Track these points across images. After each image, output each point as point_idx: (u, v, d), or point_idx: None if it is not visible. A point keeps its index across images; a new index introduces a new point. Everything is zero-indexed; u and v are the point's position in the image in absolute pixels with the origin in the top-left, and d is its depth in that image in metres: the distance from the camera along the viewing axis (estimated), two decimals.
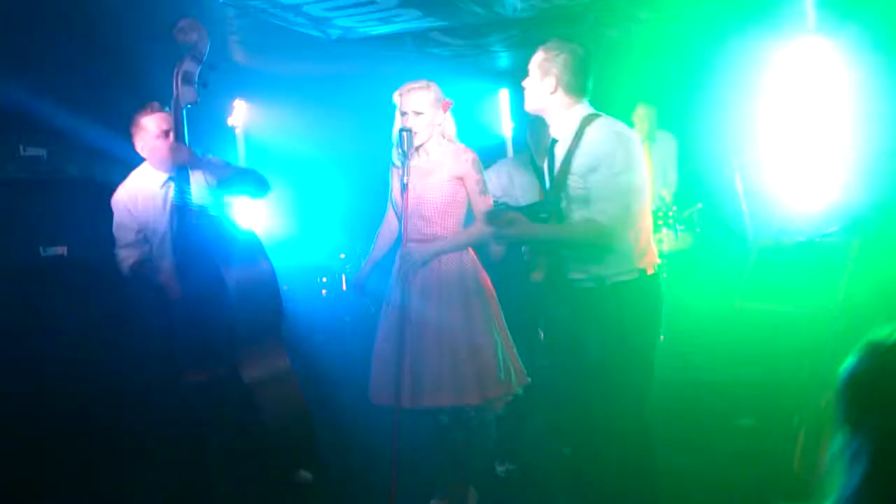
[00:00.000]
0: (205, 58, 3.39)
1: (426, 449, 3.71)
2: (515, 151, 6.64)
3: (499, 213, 2.91)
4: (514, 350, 3.51)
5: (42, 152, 4.20)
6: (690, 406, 4.82)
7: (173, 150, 3.37)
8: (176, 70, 3.35)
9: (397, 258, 3.47)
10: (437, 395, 3.32)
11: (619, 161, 2.75)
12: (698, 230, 5.49)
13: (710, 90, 5.86)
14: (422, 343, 3.35)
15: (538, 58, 2.92)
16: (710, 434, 4.47)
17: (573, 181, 2.82)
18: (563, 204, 2.89)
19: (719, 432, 4.49)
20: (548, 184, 3.00)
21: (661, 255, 5.37)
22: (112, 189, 4.26)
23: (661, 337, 3.05)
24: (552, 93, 2.89)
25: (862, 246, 3.35)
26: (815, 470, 3.19)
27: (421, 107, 3.38)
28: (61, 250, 4.20)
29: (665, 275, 5.50)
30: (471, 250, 3.52)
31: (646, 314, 2.91)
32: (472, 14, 4.69)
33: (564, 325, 3.07)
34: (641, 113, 5.83)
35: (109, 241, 4.31)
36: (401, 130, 3.34)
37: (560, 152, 2.89)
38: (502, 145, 7.04)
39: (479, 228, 3.40)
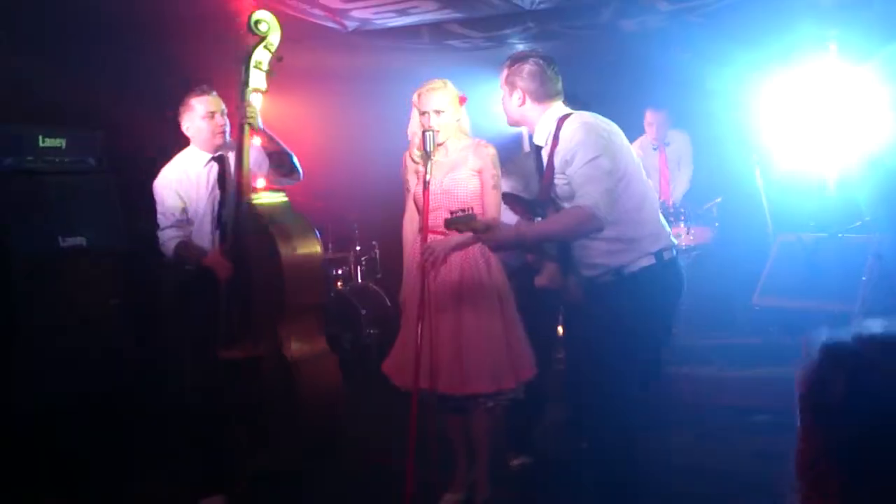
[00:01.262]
0: (275, 49, 3.62)
1: (441, 440, 3.71)
2: (531, 145, 6.61)
3: (465, 220, 2.89)
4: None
5: (61, 143, 4.22)
6: (707, 401, 4.80)
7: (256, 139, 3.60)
8: (246, 58, 3.58)
9: (421, 251, 3.48)
10: (479, 381, 3.40)
11: (590, 148, 2.79)
12: (717, 224, 5.45)
13: (730, 83, 5.82)
14: (458, 331, 3.44)
15: (503, 75, 3.02)
16: (727, 430, 4.45)
17: (557, 179, 2.89)
18: (552, 205, 2.97)
19: (736, 428, 4.48)
20: (539, 189, 3.07)
21: (679, 251, 5.39)
22: (131, 179, 4.33)
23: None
24: (521, 105, 2.99)
25: (883, 241, 3.32)
26: None
27: (441, 105, 3.47)
28: (81, 240, 4.22)
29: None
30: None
31: (665, 298, 2.94)
32: (490, 6, 4.67)
33: (584, 320, 3.08)
34: (650, 118, 5.81)
35: (128, 230, 4.37)
36: (424, 132, 3.40)
37: (544, 156, 2.98)
38: (518, 138, 7.01)
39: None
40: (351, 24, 5.00)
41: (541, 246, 3.24)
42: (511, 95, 3.01)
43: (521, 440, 4.09)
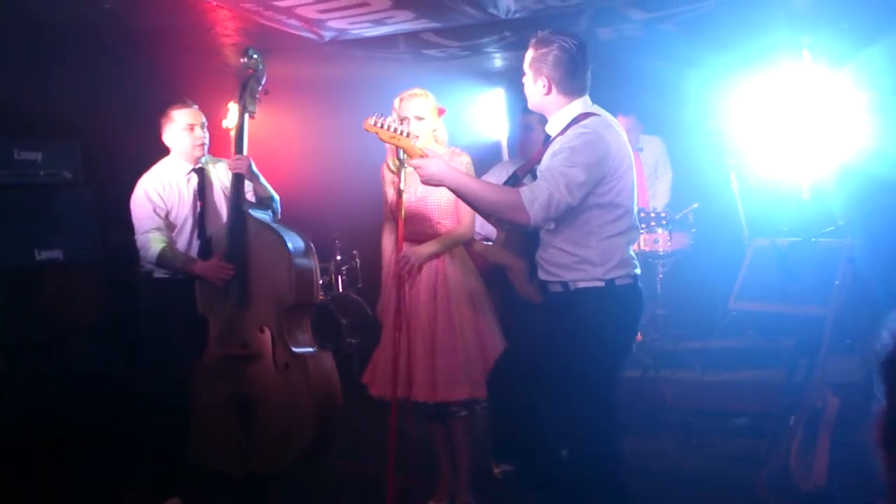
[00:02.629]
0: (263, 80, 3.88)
1: (425, 448, 3.71)
2: (511, 154, 6.65)
3: (400, 140, 2.89)
4: None
5: (37, 156, 4.18)
6: (687, 405, 4.84)
7: (235, 161, 3.78)
8: (243, 86, 3.82)
9: (396, 259, 3.51)
10: (452, 389, 3.43)
11: (578, 155, 2.67)
12: (694, 230, 5.50)
13: (705, 90, 5.88)
14: (435, 338, 3.46)
15: (529, 56, 2.87)
16: (706, 434, 4.49)
17: (541, 164, 2.83)
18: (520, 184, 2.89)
19: (716, 432, 4.51)
20: (523, 163, 3.03)
21: (657, 256, 5.46)
22: (107, 192, 4.31)
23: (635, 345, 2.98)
24: (546, 94, 2.84)
25: (856, 245, 3.36)
26: (812, 469, 3.20)
27: (423, 112, 3.50)
28: (57, 254, 4.18)
29: (661, 276, 5.53)
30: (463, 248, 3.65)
31: (610, 324, 2.81)
32: (466, 15, 4.68)
33: (535, 326, 3.06)
34: (624, 124, 5.83)
35: (104, 244, 4.34)
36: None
37: (548, 150, 2.86)
38: (497, 147, 7.04)
39: (462, 230, 3.57)
40: (327, 35, 5.00)
41: (514, 245, 3.20)
42: (535, 82, 2.84)
43: (503, 448, 4.09)
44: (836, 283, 3.30)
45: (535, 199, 2.65)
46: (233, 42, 5.17)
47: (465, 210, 3.52)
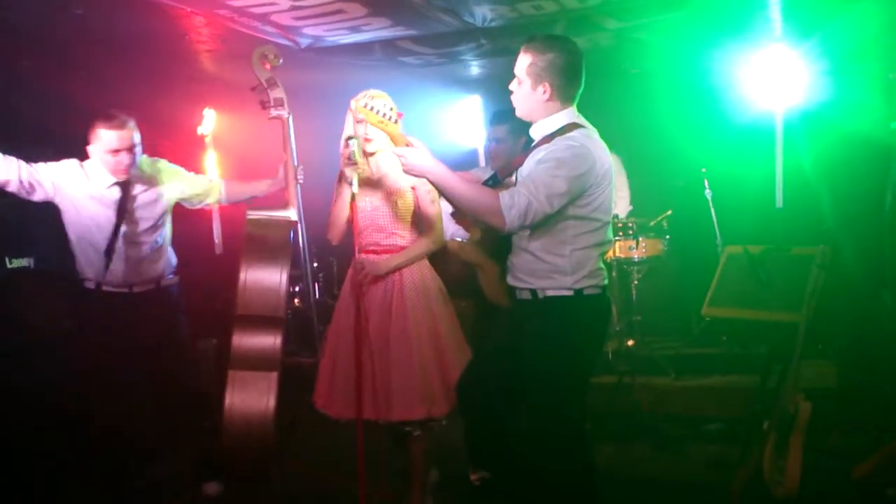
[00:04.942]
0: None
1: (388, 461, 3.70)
2: (487, 160, 6.65)
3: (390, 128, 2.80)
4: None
5: None
6: (662, 411, 4.87)
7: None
8: (272, 90, 3.71)
9: (352, 268, 3.41)
10: (410, 408, 3.29)
11: (563, 167, 2.68)
12: (668, 237, 5.54)
13: (679, 97, 5.94)
14: (389, 355, 3.32)
15: (526, 61, 2.81)
16: (681, 439, 4.52)
17: (522, 169, 2.83)
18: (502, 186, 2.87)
19: (689, 437, 4.55)
20: (503, 165, 2.98)
21: (632, 263, 5.49)
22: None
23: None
24: (546, 101, 2.82)
25: (828, 253, 3.40)
26: (784, 474, 3.23)
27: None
28: (28, 262, 4.13)
29: (636, 282, 5.57)
30: (427, 261, 3.51)
31: (577, 333, 2.83)
32: (442, 23, 4.69)
33: (504, 331, 3.05)
34: None
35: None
36: (348, 138, 3.28)
37: (531, 155, 2.85)
38: (474, 154, 7.05)
39: (428, 243, 3.44)
40: (304, 41, 4.99)
41: (488, 245, 3.13)
42: (535, 88, 2.80)
43: (479, 455, 4.07)
44: (808, 289, 3.34)
45: (512, 205, 2.66)
46: (207, 49, 5.14)
47: (430, 218, 3.42)
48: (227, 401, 3.39)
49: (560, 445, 2.85)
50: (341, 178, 3.46)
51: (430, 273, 3.49)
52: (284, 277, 3.49)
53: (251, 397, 3.39)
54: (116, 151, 3.60)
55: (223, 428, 3.39)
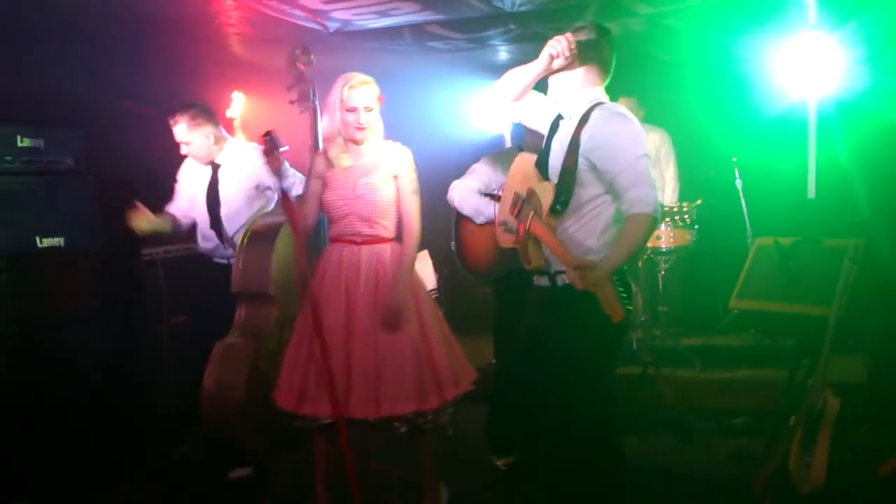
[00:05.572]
0: None
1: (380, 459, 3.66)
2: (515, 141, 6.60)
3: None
4: (459, 347, 3.43)
5: (40, 143, 4.17)
6: (687, 404, 4.83)
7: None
8: (311, 85, 3.66)
9: (332, 259, 3.32)
10: (399, 402, 3.15)
11: (628, 145, 2.68)
12: (696, 227, 5.47)
13: (710, 85, 5.85)
14: (375, 349, 3.19)
15: (577, 41, 2.80)
16: (705, 432, 4.48)
17: (583, 163, 2.73)
18: (574, 191, 2.77)
19: (713, 431, 4.51)
20: (552, 162, 2.86)
21: (659, 253, 5.45)
22: (109, 180, 4.34)
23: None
24: (594, 85, 2.86)
25: (861, 246, 3.34)
26: (810, 470, 3.19)
27: (371, 102, 3.25)
28: (58, 241, 4.18)
29: (663, 272, 5.51)
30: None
31: (602, 321, 2.74)
32: (471, 8, 4.66)
33: (530, 322, 3.02)
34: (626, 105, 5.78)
35: (105, 231, 4.34)
36: (268, 133, 3.28)
37: (567, 129, 2.81)
38: (500, 140, 7.02)
39: (416, 234, 3.34)
40: (332, 25, 4.97)
41: None
42: (588, 69, 2.84)
43: (500, 443, 4.05)
44: (840, 283, 3.28)
45: (654, 204, 2.63)
46: (236, 32, 5.15)
47: (410, 209, 3.32)
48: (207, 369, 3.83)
49: (591, 435, 2.84)
50: (315, 168, 3.39)
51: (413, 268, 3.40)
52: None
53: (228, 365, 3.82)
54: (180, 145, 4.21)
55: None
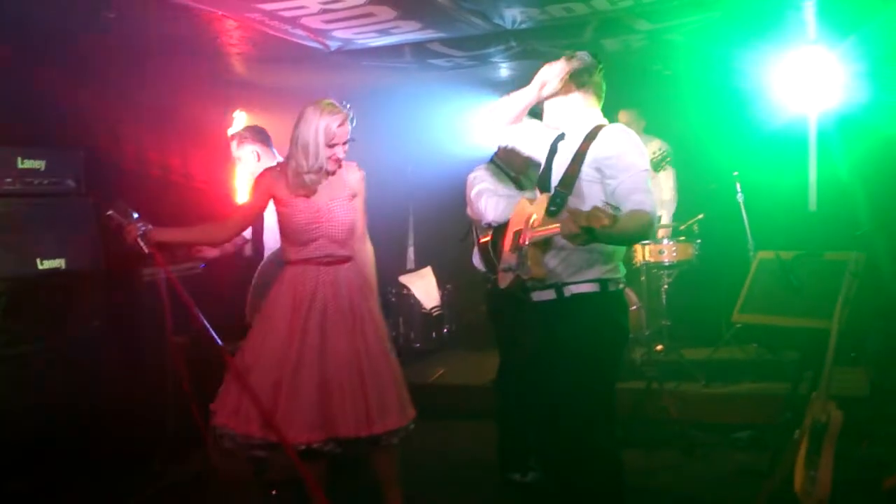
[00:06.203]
0: None
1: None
2: None
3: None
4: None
5: (41, 164, 4.19)
6: (691, 418, 4.80)
7: None
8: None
9: (298, 279, 3.27)
10: (369, 423, 3.16)
11: (637, 159, 2.78)
12: (699, 241, 5.47)
13: (711, 100, 5.87)
14: (343, 370, 3.18)
15: (569, 69, 2.89)
16: (709, 447, 4.46)
17: (587, 174, 2.79)
18: (569, 199, 2.80)
19: (718, 445, 4.48)
20: (553, 178, 2.90)
21: (662, 267, 5.44)
22: (109, 201, 4.33)
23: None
24: (588, 107, 2.94)
25: (862, 259, 3.34)
26: (815, 484, 3.17)
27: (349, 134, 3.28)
28: (59, 263, 4.18)
29: (666, 287, 5.51)
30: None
31: (607, 332, 2.88)
32: (471, 25, 4.69)
33: (534, 335, 3.04)
34: (626, 118, 5.81)
35: (106, 253, 4.34)
36: (108, 211, 3.34)
37: (569, 147, 2.87)
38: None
39: (370, 248, 3.45)
40: (333, 44, 5.01)
41: None
42: (586, 95, 2.94)
43: (523, 458, 3.99)
44: (841, 296, 3.28)
45: (653, 210, 2.74)
46: (238, 52, 5.19)
47: (361, 226, 3.39)
48: None
49: (594, 453, 2.85)
50: (261, 185, 3.36)
51: (369, 282, 3.44)
52: None
53: None
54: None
55: None
